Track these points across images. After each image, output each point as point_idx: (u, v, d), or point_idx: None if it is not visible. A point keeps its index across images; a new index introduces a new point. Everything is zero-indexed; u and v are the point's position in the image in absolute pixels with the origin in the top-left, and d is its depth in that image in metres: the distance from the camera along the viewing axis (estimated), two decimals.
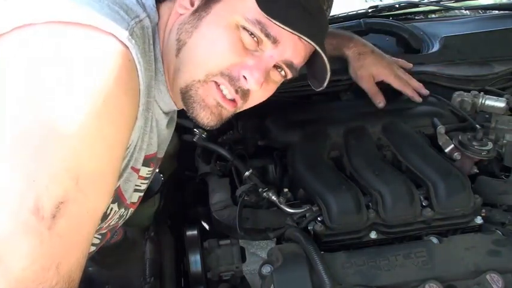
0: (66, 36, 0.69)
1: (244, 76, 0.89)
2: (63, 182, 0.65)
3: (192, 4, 0.92)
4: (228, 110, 0.95)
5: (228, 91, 0.91)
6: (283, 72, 0.97)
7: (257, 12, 0.85)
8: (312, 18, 0.92)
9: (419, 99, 1.36)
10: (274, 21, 0.84)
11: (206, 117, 0.94)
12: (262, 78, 0.90)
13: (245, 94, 0.93)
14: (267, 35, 0.88)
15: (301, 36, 0.87)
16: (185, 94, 0.92)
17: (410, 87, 1.38)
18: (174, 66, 0.92)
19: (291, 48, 0.92)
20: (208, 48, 0.89)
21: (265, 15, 0.84)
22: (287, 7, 0.87)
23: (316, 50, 0.92)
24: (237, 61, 0.89)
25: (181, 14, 0.92)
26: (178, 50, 0.91)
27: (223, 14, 0.89)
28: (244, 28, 0.88)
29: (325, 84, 0.99)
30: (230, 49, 0.88)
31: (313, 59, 0.97)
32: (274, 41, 0.89)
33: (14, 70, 0.67)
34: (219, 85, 0.91)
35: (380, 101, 1.34)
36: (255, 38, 0.89)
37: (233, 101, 0.93)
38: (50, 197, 0.63)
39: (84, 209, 0.68)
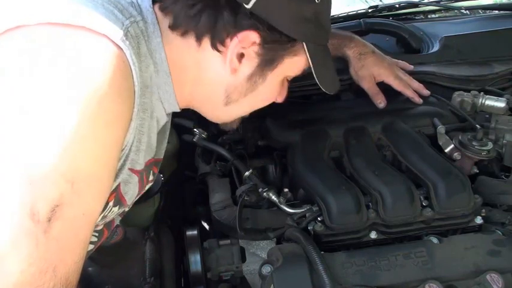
0: (59, 37, 0.69)
1: None
2: (58, 185, 0.65)
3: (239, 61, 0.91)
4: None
5: None
6: None
7: (303, 67, 0.95)
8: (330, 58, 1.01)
9: (419, 101, 1.36)
10: (326, 91, 0.99)
11: (235, 124, 1.12)
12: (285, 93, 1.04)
13: None
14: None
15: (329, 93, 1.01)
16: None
17: (411, 89, 1.38)
18: (218, 110, 0.99)
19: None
20: (259, 102, 1.00)
21: (322, 88, 0.98)
22: (329, 68, 0.99)
23: None
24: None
25: (226, 72, 0.92)
26: (228, 103, 0.95)
27: (277, 77, 0.95)
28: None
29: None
30: (275, 94, 1.01)
31: None
32: None
33: (5, 73, 0.67)
34: None
35: (380, 101, 1.34)
36: None
37: None
38: (45, 200, 0.63)
39: (80, 211, 0.68)
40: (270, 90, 0.96)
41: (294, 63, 0.93)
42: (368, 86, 1.36)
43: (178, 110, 1.02)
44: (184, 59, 0.90)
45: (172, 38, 0.88)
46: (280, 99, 1.03)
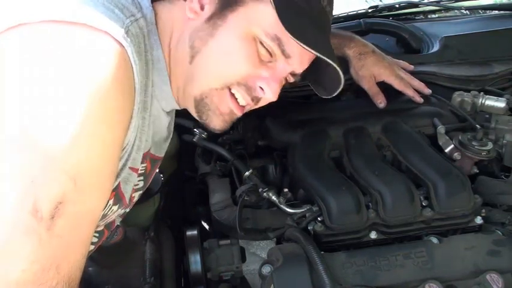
0: (61, 35, 0.69)
1: (261, 87, 0.92)
2: (61, 183, 0.65)
3: (202, 8, 0.92)
4: (238, 115, 0.99)
5: (244, 99, 0.94)
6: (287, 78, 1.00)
7: (277, 28, 0.86)
8: (324, 33, 0.95)
9: (420, 100, 1.36)
10: (299, 42, 0.85)
11: (219, 124, 0.98)
12: (279, 89, 0.95)
13: (258, 101, 0.98)
14: (283, 51, 0.91)
15: (323, 57, 0.88)
16: (200, 102, 0.94)
17: (411, 88, 1.38)
18: (187, 73, 0.93)
19: (298, 62, 0.95)
20: (225, 58, 0.90)
21: (292, 37, 0.85)
22: (307, 26, 0.89)
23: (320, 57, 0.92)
24: (253, 72, 0.91)
25: (190, 19, 0.92)
26: (192, 57, 0.91)
27: (240, 24, 0.89)
28: (261, 42, 0.90)
29: (336, 94, 1.02)
30: (247, 60, 0.90)
31: (318, 67, 0.99)
32: (287, 57, 0.92)
33: (8, 70, 0.67)
34: (232, 93, 0.94)
35: (381, 101, 1.34)
36: (269, 51, 0.91)
37: (243, 106, 0.97)
38: (48, 197, 0.63)
39: (82, 209, 0.68)
40: (234, 42, 0.89)
41: (260, 13, 0.88)
42: (368, 85, 1.36)
43: (178, 108, 1.02)
44: (172, 25, 0.93)
45: (174, 40, 0.91)
46: (254, 69, 0.91)
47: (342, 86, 0.99)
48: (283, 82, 0.99)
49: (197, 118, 0.98)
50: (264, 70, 0.92)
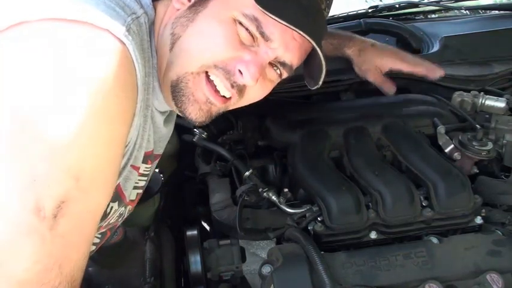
0: (62, 33, 0.69)
1: (239, 70, 0.88)
2: (63, 182, 0.65)
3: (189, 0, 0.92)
4: (218, 107, 0.93)
5: (224, 85, 0.90)
6: (278, 71, 0.96)
7: (255, 9, 0.85)
8: (309, 15, 0.91)
9: (435, 76, 1.33)
10: (268, 13, 0.83)
11: (194, 113, 0.92)
12: (258, 74, 0.89)
13: (241, 90, 0.92)
14: (261, 33, 0.88)
15: (296, 29, 0.85)
16: (175, 87, 0.90)
17: (421, 67, 1.35)
18: (167, 61, 0.91)
19: (282, 46, 0.91)
20: (203, 41, 0.88)
21: (260, 8, 0.83)
22: (283, 2, 0.87)
23: (313, 49, 0.90)
24: (233, 55, 0.88)
25: (177, 9, 0.92)
26: (173, 44, 0.90)
27: (220, 8, 0.88)
28: (240, 23, 0.87)
29: (321, 82, 0.97)
30: (226, 42, 0.88)
31: (310, 58, 0.97)
32: (267, 39, 0.89)
33: (10, 69, 0.67)
34: (210, 79, 0.90)
35: (390, 89, 1.32)
36: (250, 34, 0.88)
37: (225, 97, 0.92)
38: (50, 196, 0.63)
39: (85, 208, 0.68)
40: (213, 24, 0.88)
41: None
42: (374, 77, 1.36)
43: (168, 107, 0.99)
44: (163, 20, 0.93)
45: (161, 31, 0.91)
46: (235, 52, 0.88)
47: (324, 72, 0.94)
48: (277, 76, 0.96)
49: (175, 109, 0.94)
50: (246, 53, 0.88)
